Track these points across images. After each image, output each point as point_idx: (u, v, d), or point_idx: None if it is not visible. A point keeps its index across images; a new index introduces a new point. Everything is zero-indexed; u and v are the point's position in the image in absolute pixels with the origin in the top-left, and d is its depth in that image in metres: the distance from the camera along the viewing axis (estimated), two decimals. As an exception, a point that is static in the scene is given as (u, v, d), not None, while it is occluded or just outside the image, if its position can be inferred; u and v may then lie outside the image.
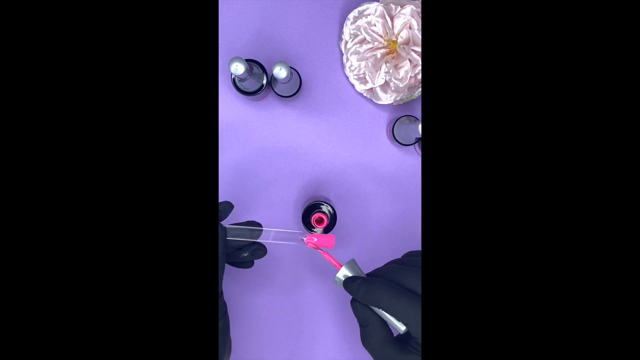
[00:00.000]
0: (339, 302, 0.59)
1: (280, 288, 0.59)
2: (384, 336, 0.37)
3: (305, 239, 0.42)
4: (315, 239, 0.42)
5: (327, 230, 0.55)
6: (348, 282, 0.39)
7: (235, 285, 0.59)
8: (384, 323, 0.38)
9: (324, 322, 0.59)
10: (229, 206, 0.44)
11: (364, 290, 0.38)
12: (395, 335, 0.38)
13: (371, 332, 0.38)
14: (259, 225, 0.44)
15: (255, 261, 0.47)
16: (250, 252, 0.44)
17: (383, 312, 0.38)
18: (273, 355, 0.59)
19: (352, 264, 0.41)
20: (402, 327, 0.37)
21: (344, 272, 0.40)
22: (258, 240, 0.43)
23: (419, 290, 0.35)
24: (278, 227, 0.59)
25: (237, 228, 0.42)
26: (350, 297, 0.40)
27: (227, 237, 0.42)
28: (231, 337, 0.58)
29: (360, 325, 0.39)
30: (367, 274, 0.40)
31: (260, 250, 0.45)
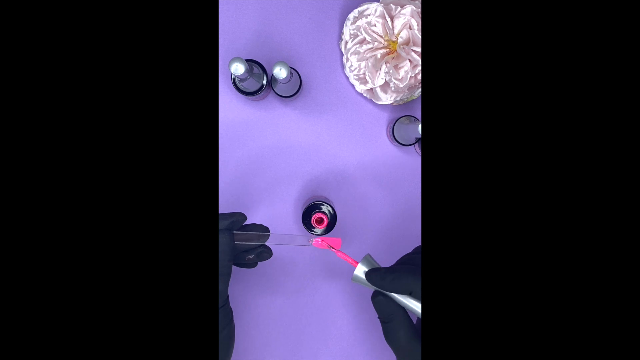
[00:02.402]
0: (339, 304, 0.59)
1: (282, 290, 0.59)
2: (411, 331, 0.36)
3: (312, 241, 0.42)
4: (321, 242, 0.42)
5: (327, 230, 0.55)
6: (371, 274, 0.38)
7: (237, 286, 0.59)
8: (409, 318, 0.37)
9: (325, 324, 0.59)
10: (243, 218, 0.44)
11: (391, 278, 0.37)
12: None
13: (396, 326, 0.37)
14: (267, 230, 0.44)
15: (258, 263, 0.47)
16: (256, 254, 0.44)
17: (408, 302, 0.37)
18: (274, 356, 0.59)
19: (368, 259, 0.40)
20: None
21: (362, 268, 0.40)
22: (265, 244, 0.43)
23: None
24: (278, 227, 0.59)
25: (245, 233, 0.42)
26: (370, 293, 0.38)
27: (235, 242, 0.42)
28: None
29: (383, 322, 0.38)
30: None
31: (266, 253, 0.45)
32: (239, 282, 0.59)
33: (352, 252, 0.59)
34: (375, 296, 0.39)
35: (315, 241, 0.42)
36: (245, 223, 0.44)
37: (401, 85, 0.53)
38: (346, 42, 0.56)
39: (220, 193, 0.58)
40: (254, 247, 0.44)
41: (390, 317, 0.37)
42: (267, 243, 0.43)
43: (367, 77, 0.55)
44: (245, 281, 0.59)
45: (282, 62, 0.47)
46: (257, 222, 0.58)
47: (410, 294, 0.37)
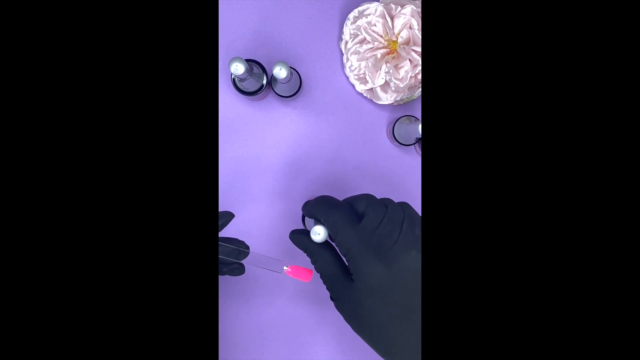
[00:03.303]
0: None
1: (282, 290, 0.59)
2: (332, 267, 0.40)
3: (287, 269, 0.43)
4: (291, 271, 0.43)
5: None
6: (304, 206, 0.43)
7: (233, 288, 0.59)
8: (331, 256, 0.40)
9: (324, 324, 0.59)
10: (231, 216, 0.44)
11: (311, 204, 0.41)
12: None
13: (319, 266, 0.40)
14: (247, 247, 0.44)
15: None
16: (229, 269, 0.45)
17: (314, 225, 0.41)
18: (272, 356, 0.59)
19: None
20: (318, 235, 0.40)
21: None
22: (242, 262, 0.44)
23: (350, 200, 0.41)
24: (278, 228, 0.59)
25: (224, 246, 0.42)
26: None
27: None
28: (228, 340, 0.58)
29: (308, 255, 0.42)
30: None
31: (238, 269, 0.45)
32: (231, 284, 0.59)
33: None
34: (290, 234, 0.42)
35: (287, 270, 0.43)
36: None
37: (401, 85, 0.53)
38: (346, 42, 0.56)
39: (220, 193, 0.58)
40: (229, 261, 0.44)
41: (311, 254, 0.41)
42: (244, 262, 0.43)
43: (367, 77, 0.55)
44: (238, 284, 0.59)
45: (282, 62, 0.46)
46: (257, 222, 0.58)
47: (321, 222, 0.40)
